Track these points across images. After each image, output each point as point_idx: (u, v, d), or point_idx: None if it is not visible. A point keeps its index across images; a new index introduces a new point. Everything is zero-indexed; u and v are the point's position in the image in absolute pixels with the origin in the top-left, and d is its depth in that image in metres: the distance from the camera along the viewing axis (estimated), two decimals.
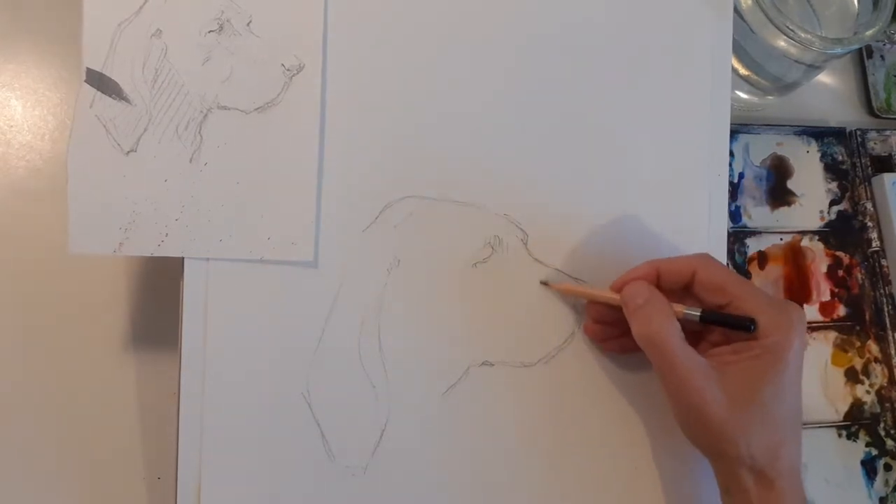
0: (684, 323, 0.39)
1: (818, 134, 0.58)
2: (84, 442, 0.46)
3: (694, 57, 0.47)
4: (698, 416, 0.37)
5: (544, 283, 0.44)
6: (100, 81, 0.41)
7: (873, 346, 0.55)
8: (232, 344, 0.42)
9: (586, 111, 0.46)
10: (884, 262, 0.56)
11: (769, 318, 0.38)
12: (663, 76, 0.47)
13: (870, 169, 0.58)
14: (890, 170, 0.58)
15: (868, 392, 0.54)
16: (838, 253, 0.56)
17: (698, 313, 0.39)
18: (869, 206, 0.57)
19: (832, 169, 0.58)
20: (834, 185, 0.58)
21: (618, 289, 0.41)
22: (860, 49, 0.61)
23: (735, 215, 0.55)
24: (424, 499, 0.43)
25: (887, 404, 0.54)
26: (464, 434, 0.43)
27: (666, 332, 0.38)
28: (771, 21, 0.49)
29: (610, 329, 0.43)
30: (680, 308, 0.40)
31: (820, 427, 0.53)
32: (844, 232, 0.57)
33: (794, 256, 0.56)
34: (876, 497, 0.52)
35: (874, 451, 0.53)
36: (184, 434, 0.41)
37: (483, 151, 0.45)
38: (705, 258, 0.41)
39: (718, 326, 0.40)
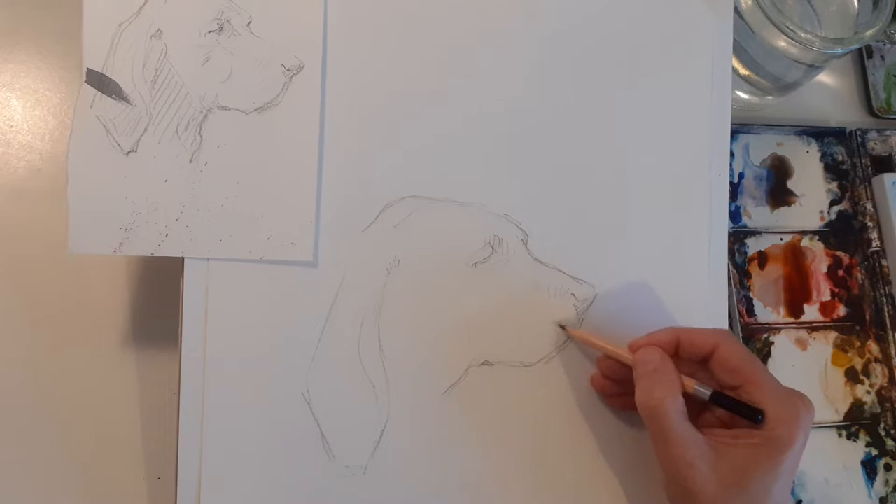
0: (692, 397, 0.39)
1: (818, 134, 0.58)
2: (84, 442, 0.46)
3: (694, 57, 0.47)
4: (685, 491, 0.37)
5: (561, 327, 0.44)
6: (100, 81, 0.41)
7: (873, 346, 0.55)
8: (232, 344, 0.42)
9: (586, 111, 0.46)
10: (884, 262, 0.56)
11: (777, 411, 0.38)
12: (663, 76, 0.47)
13: (870, 169, 0.58)
14: (890, 170, 0.58)
15: (868, 392, 0.54)
16: (838, 253, 0.56)
17: (709, 393, 0.39)
18: (869, 206, 0.57)
19: (832, 169, 0.58)
20: (834, 185, 0.58)
21: (634, 349, 0.41)
22: (860, 49, 0.61)
23: (735, 215, 0.55)
24: (424, 499, 0.43)
25: (887, 404, 0.54)
26: (464, 434, 0.43)
27: (666, 405, 0.38)
28: (771, 21, 0.49)
29: (617, 386, 0.43)
30: (691, 383, 0.39)
31: (820, 427, 0.53)
32: (844, 232, 0.57)
33: (795, 256, 0.56)
34: (876, 497, 0.52)
35: (874, 451, 0.53)
36: (184, 434, 0.41)
37: (483, 151, 0.45)
38: (727, 336, 0.41)
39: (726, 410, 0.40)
